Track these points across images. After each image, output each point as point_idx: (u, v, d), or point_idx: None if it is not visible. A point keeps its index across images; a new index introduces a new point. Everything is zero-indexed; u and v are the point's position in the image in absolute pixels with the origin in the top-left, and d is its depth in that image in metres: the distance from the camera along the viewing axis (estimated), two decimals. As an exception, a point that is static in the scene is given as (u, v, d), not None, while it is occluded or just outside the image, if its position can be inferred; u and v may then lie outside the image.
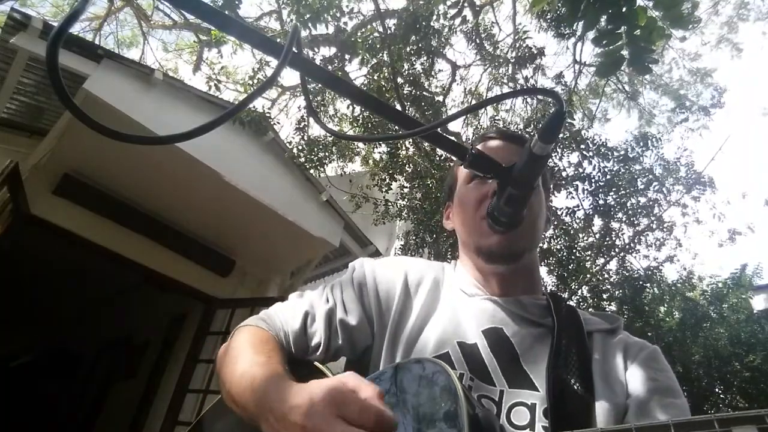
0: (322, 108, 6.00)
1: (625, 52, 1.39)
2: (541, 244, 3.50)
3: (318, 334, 0.78)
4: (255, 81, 4.75)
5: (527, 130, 5.70)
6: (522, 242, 0.80)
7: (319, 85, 4.37)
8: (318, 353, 0.78)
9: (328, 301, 0.82)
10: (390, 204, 5.85)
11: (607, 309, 6.29)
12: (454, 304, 0.81)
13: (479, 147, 0.88)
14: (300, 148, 5.25)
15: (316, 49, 5.01)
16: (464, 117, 6.60)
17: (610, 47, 1.39)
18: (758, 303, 6.90)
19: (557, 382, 0.69)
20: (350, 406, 0.47)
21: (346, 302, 0.82)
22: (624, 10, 1.33)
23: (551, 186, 0.99)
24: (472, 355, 0.73)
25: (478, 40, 5.97)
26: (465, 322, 0.78)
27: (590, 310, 5.92)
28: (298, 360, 0.76)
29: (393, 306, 0.81)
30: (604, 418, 0.67)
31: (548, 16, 5.76)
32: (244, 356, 0.68)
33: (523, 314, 0.79)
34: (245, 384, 0.62)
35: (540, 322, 0.79)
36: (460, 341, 0.75)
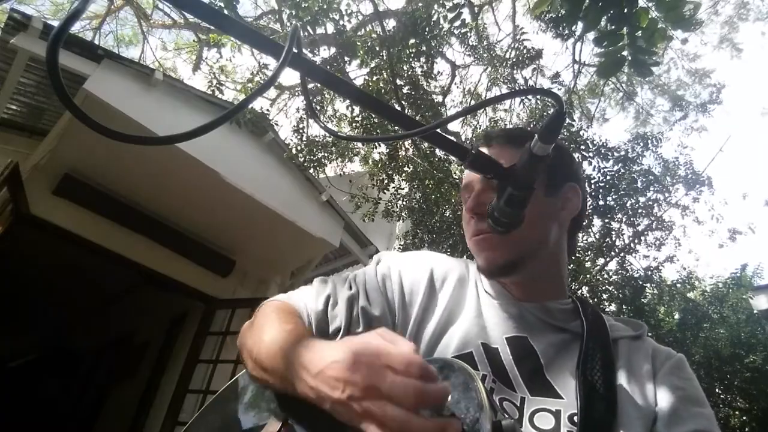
0: (321, 108, 5.99)
1: (626, 53, 1.38)
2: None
3: (339, 318, 0.78)
4: (254, 83, 4.74)
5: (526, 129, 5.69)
6: (505, 258, 0.77)
7: (319, 85, 4.37)
8: (338, 338, 0.77)
9: (351, 288, 0.82)
10: (388, 204, 5.84)
11: (607, 309, 6.28)
12: (478, 304, 0.80)
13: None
14: (299, 148, 5.24)
15: (316, 51, 5.00)
16: (463, 117, 6.60)
17: (612, 48, 1.39)
18: (759, 303, 6.88)
19: (586, 387, 0.68)
20: (395, 356, 0.46)
21: (369, 292, 0.81)
22: (626, 11, 1.32)
23: (581, 180, 0.95)
24: (494, 358, 0.73)
25: (476, 41, 5.97)
26: (489, 325, 0.77)
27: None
28: None
29: (417, 301, 0.80)
30: (631, 426, 0.66)
31: (547, 17, 5.75)
32: (272, 324, 0.70)
33: (549, 320, 0.78)
34: (275, 348, 0.63)
35: (566, 328, 0.78)
36: (483, 342, 0.74)
